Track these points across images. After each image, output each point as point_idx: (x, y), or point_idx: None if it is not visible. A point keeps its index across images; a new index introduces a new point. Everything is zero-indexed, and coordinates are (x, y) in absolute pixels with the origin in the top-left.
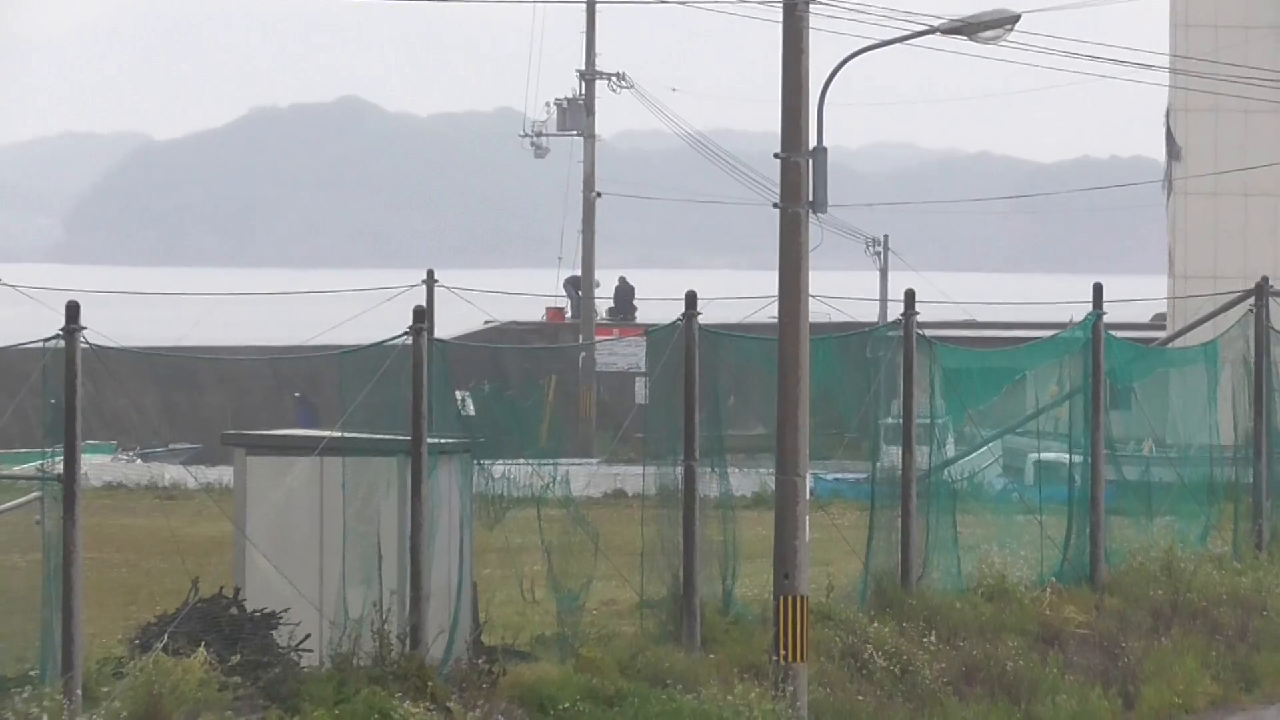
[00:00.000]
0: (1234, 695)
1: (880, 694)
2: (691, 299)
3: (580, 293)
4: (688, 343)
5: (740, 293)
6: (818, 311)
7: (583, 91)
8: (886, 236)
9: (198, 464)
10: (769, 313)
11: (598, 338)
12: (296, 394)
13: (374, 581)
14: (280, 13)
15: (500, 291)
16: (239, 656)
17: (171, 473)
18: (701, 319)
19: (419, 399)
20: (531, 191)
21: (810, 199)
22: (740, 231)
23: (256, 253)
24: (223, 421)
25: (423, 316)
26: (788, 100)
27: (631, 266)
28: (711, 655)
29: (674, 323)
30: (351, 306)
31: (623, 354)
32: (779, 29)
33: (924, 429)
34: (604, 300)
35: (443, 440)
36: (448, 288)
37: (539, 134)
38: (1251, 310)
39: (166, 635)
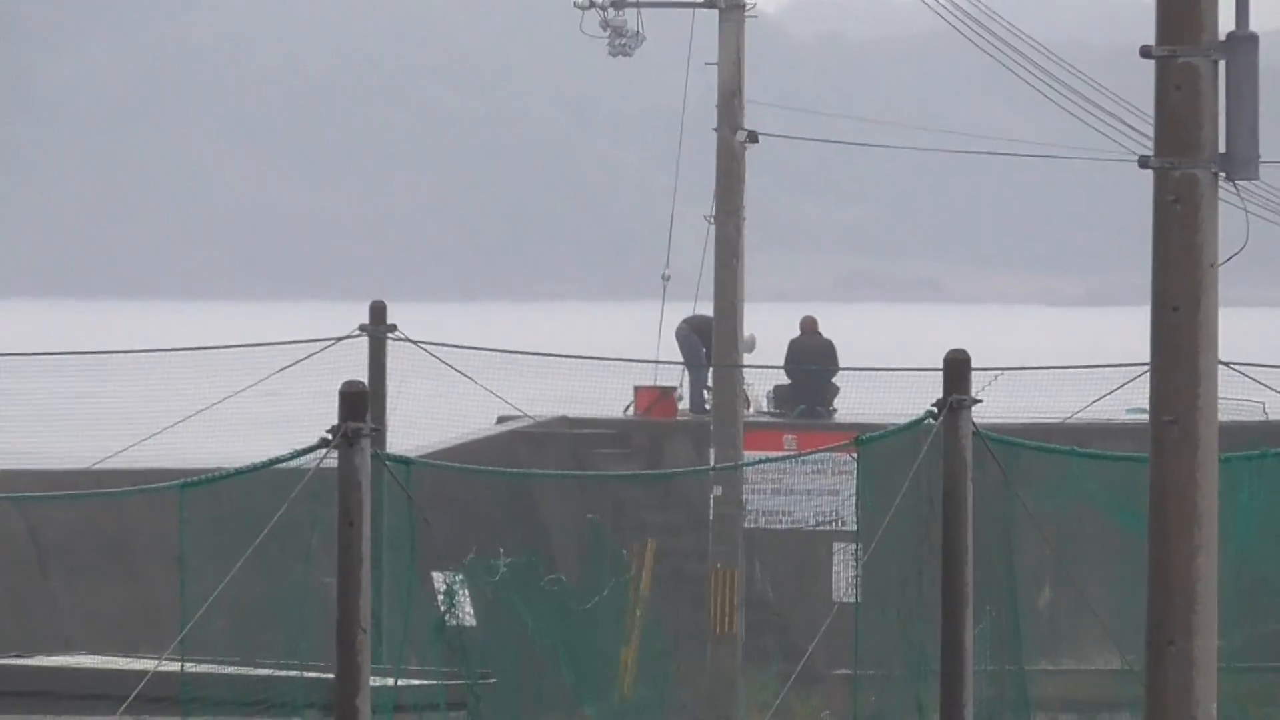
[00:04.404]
0: None
1: None
2: (957, 368)
3: (709, 352)
4: (949, 464)
5: (1062, 359)
6: (1235, 396)
7: None
8: None
9: None
10: (1128, 400)
11: (748, 454)
12: None
13: None
14: None
15: (530, 353)
16: None
17: None
18: (980, 412)
19: (352, 586)
20: (603, 128)
21: (1221, 148)
22: (1065, 212)
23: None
24: None
25: (363, 407)
26: None
27: (823, 298)
28: None
29: (920, 420)
30: (206, 382)
31: (805, 489)
32: None
33: None
34: (767, 374)
35: (406, 681)
36: (414, 343)
37: (619, 2)
38: None
39: None
